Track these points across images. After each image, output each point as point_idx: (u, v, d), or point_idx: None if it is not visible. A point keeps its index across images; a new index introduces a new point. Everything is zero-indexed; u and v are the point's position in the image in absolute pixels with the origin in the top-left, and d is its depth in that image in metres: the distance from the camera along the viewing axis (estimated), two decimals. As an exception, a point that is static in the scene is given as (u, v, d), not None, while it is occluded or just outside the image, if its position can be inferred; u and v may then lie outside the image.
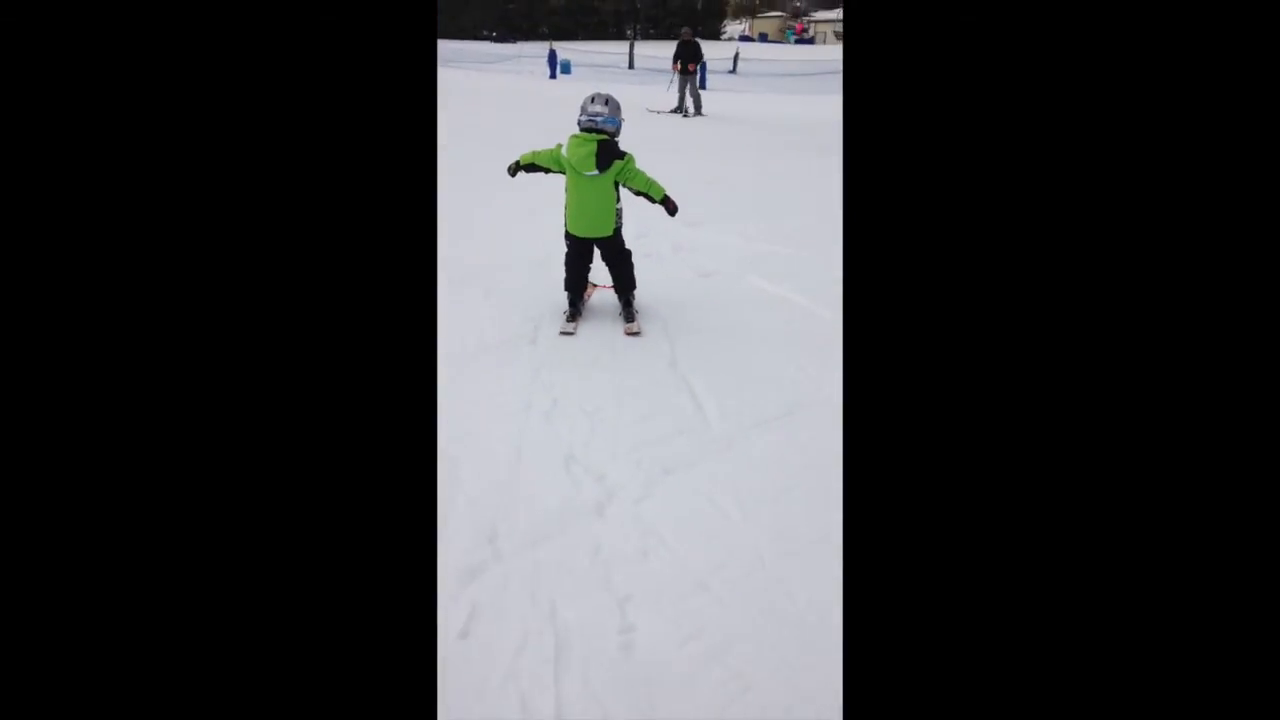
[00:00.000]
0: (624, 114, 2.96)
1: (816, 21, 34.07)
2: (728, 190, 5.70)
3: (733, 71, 21.10)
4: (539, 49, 22.04)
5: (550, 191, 5.21)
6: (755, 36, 34.09)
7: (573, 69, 18.94)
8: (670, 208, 2.85)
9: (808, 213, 4.87)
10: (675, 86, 10.25)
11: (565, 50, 20.46)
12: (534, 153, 2.92)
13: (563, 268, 2.99)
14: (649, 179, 2.83)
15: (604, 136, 2.77)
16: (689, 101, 10.08)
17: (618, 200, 2.85)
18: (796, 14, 36.64)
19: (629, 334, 2.86)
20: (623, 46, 23.23)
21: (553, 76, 18.03)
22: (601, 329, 2.94)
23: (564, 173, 2.83)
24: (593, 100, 2.84)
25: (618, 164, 2.76)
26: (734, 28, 37.25)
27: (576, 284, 2.95)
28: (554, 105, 11.27)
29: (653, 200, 2.84)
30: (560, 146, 2.85)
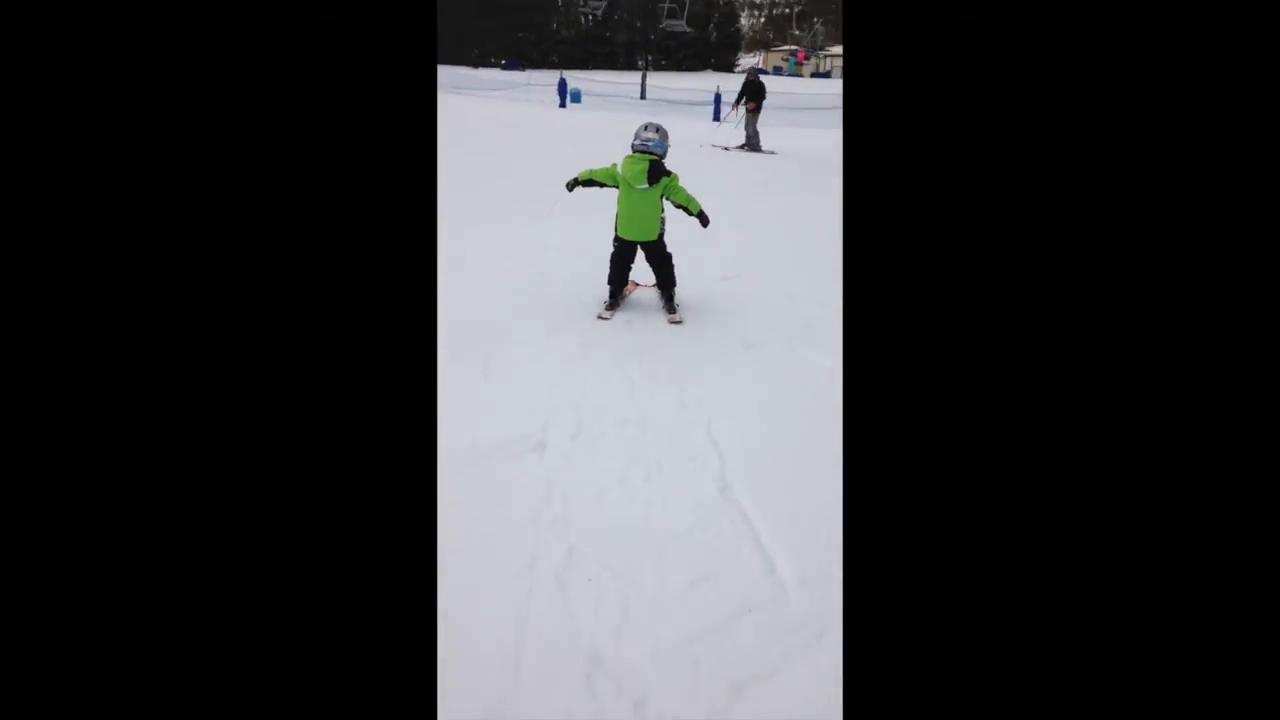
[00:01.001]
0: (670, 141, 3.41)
1: (832, 55, 34.00)
2: (760, 234, 5.13)
3: (746, 103, 20.83)
4: (549, 77, 21.81)
5: (565, 232, 4.69)
6: (769, 69, 33.96)
7: (583, 98, 18.65)
8: (704, 220, 3.38)
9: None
10: (731, 122, 10.44)
11: (575, 79, 20.21)
12: (590, 171, 3.37)
13: (601, 280, 3.40)
14: (689, 195, 3.32)
15: (654, 157, 3.26)
16: (754, 138, 10.05)
17: (662, 211, 3.31)
18: (814, 47, 36.63)
19: (671, 323, 3.29)
20: (634, 76, 23.02)
21: (563, 105, 17.72)
22: (623, 442, 2.32)
23: (617, 187, 3.31)
24: (645, 128, 3.36)
25: (665, 180, 3.26)
26: (747, 60, 37.20)
27: (619, 279, 3.39)
28: (566, 139, 10.83)
29: (689, 213, 3.34)
30: (615, 165, 3.32)
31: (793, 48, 38.14)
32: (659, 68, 29.45)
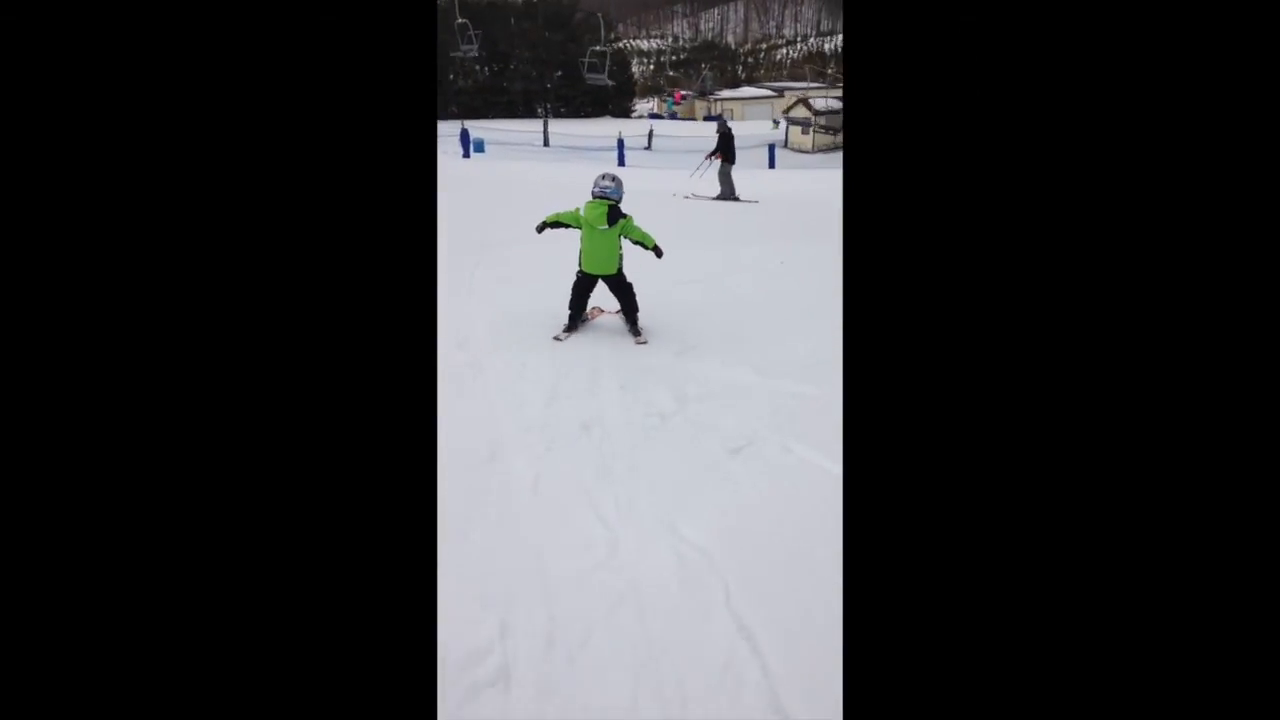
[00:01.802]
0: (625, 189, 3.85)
1: (722, 99, 35.16)
2: (707, 295, 4.64)
3: (648, 148, 21.05)
4: (449, 128, 21.13)
5: (492, 303, 3.99)
6: (665, 115, 34.66)
7: (486, 147, 18.10)
8: (659, 253, 3.83)
9: (814, 324, 3.85)
10: (701, 173, 10.17)
11: (476, 129, 19.63)
12: (557, 214, 3.79)
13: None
14: (644, 232, 3.76)
15: (612, 202, 3.67)
16: (729, 188, 9.77)
17: (620, 248, 3.72)
18: (702, 93, 37.71)
19: (638, 344, 3.62)
20: (533, 124, 22.72)
21: (466, 155, 17.09)
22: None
23: (580, 228, 3.71)
24: (603, 178, 3.75)
25: (622, 221, 3.68)
26: (643, 106, 37.88)
27: (578, 306, 3.74)
28: (474, 190, 10.18)
29: (645, 247, 3.77)
30: (578, 209, 3.73)
31: (686, 92, 39.23)
32: (558, 115, 29.31)
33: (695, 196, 9.73)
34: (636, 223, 3.76)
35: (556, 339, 3.60)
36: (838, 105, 23.48)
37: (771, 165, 17.27)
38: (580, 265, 3.72)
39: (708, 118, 33.50)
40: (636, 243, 3.76)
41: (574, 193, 6.16)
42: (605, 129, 22.53)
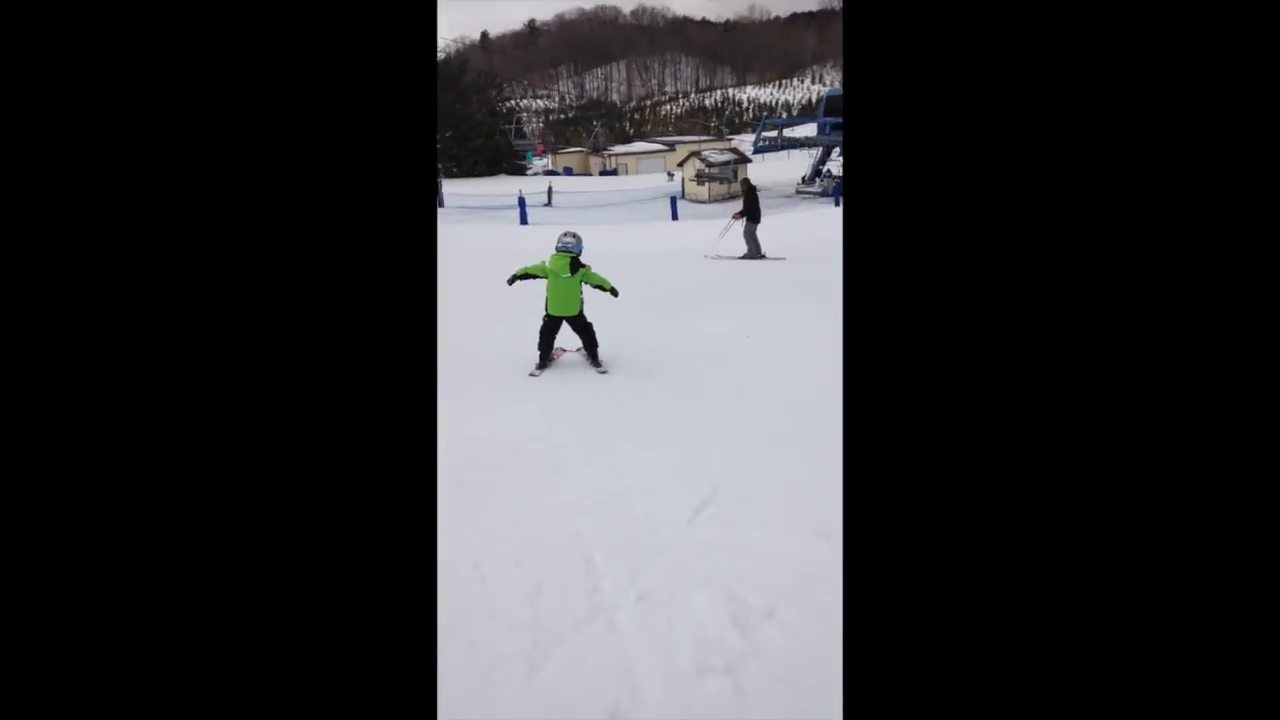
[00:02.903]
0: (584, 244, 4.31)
1: (616, 154, 35.25)
2: (702, 393, 3.63)
3: (548, 204, 20.41)
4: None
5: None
6: (560, 170, 34.22)
7: (375, 212, 16.67)
8: (614, 293, 4.32)
9: (813, 426, 2.91)
10: (730, 233, 9.74)
11: (362, 193, 18.18)
12: (525, 268, 4.31)
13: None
14: (602, 278, 4.25)
15: (573, 255, 4.21)
16: (754, 246, 9.44)
17: (581, 293, 4.20)
18: (596, 149, 37.71)
19: (600, 373, 4.09)
20: (427, 185, 21.49)
21: (352, 222, 15.56)
22: None
23: (546, 278, 4.20)
24: (565, 234, 4.33)
25: (582, 270, 4.21)
26: (538, 163, 37.30)
27: (546, 345, 4.19)
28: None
29: (604, 290, 4.26)
30: (544, 262, 4.24)
31: (579, 149, 39.13)
32: (450, 175, 28.15)
33: (720, 257, 9.35)
34: (595, 269, 4.27)
35: (531, 375, 4.02)
36: (725, 157, 23.97)
37: (675, 217, 16.87)
38: (546, 309, 4.19)
39: (603, 172, 33.39)
40: (596, 286, 4.25)
41: (508, 257, 5.10)
42: (502, 187, 21.73)
